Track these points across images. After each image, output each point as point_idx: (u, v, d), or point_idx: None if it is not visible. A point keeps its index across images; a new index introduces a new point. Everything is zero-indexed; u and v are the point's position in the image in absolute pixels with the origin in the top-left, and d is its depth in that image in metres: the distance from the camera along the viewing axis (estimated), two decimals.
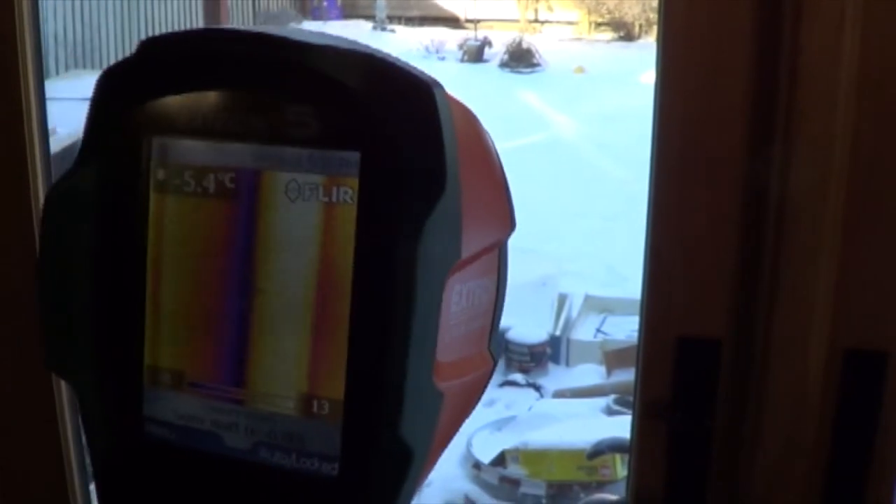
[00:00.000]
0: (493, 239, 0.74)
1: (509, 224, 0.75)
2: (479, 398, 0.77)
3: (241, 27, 0.71)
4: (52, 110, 1.45)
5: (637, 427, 1.31)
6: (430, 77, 0.67)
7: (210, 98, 0.70)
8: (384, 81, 0.67)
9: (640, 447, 1.32)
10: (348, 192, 0.66)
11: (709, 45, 1.20)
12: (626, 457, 1.37)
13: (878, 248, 1.20)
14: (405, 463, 0.68)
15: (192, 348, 0.72)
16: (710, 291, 1.25)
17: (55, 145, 1.48)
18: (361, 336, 0.66)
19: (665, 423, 1.28)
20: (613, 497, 1.37)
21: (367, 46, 0.69)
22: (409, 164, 0.66)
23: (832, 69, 1.16)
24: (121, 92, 0.73)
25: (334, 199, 0.67)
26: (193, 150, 0.71)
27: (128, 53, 0.74)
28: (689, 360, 1.26)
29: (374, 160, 0.66)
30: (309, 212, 0.67)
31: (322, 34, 0.71)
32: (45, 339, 0.76)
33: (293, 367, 0.69)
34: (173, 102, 0.71)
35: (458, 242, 0.67)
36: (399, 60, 0.68)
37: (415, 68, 0.68)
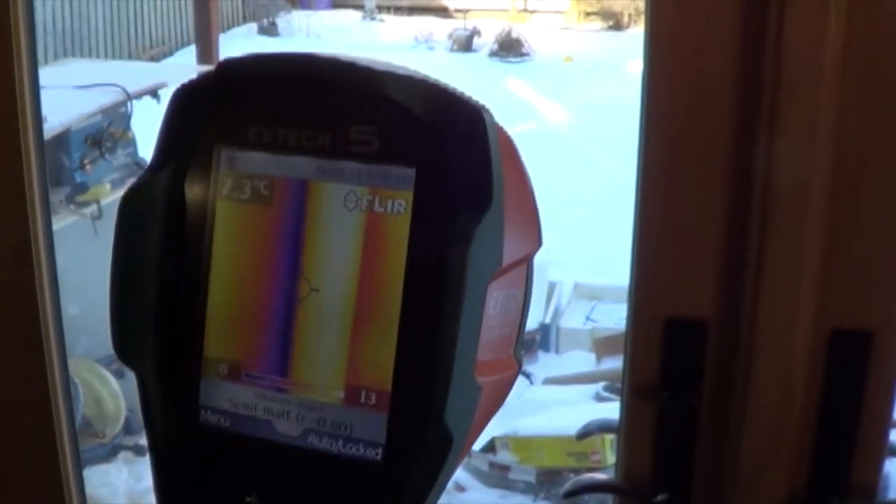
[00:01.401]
0: (526, 251, 0.79)
1: (538, 240, 0.81)
2: (504, 398, 0.82)
3: (313, 53, 0.76)
4: (42, 99, 1.45)
5: (626, 408, 1.33)
6: (480, 103, 0.73)
7: (279, 115, 0.76)
8: (442, 106, 0.73)
9: (629, 427, 1.33)
10: (402, 203, 0.73)
11: (695, 32, 1.21)
12: (616, 441, 1.38)
13: (862, 228, 1.22)
14: (445, 448, 0.73)
15: (247, 341, 0.78)
16: (696, 273, 1.27)
17: (45, 133, 1.48)
18: (412, 333, 0.72)
19: (653, 403, 1.30)
20: (603, 476, 1.38)
21: (424, 74, 0.75)
22: (460, 179, 0.72)
23: (817, 53, 1.18)
24: (196, 109, 0.78)
25: (389, 209, 0.73)
26: (260, 161, 0.77)
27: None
28: (677, 342, 1.27)
29: (429, 176, 0.72)
30: (363, 220, 0.74)
31: (381, 62, 0.76)
32: (113, 328, 0.81)
33: (338, 359, 0.75)
34: (244, 118, 0.77)
35: (500, 251, 0.74)
36: (452, 87, 0.74)
37: (466, 94, 0.74)
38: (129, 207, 0.80)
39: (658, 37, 1.23)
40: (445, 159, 0.72)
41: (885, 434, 1.29)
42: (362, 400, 0.74)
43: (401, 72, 0.74)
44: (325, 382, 0.75)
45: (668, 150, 1.24)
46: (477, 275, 0.72)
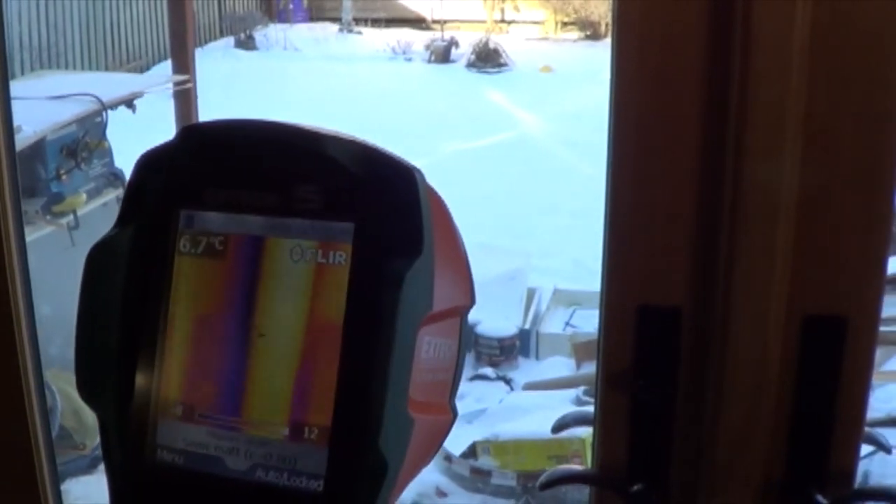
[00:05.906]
0: (457, 303, 0.87)
1: (470, 296, 0.89)
2: (440, 442, 0.90)
3: (266, 119, 0.84)
4: (17, 109, 1.45)
5: (601, 397, 1.33)
6: (411, 164, 0.82)
7: (232, 178, 0.84)
8: (377, 166, 0.81)
9: (605, 417, 1.33)
10: (343, 255, 0.80)
11: (663, 28, 1.22)
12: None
13: (834, 214, 1.22)
14: (381, 475, 0.80)
15: (201, 384, 0.84)
16: (669, 260, 1.26)
17: (20, 143, 1.48)
18: (350, 371, 0.79)
19: (628, 392, 1.29)
20: (578, 467, 1.38)
21: (360, 138, 0.83)
22: (394, 231, 0.80)
23: (784, 49, 1.18)
24: (159, 170, 0.86)
25: (330, 261, 0.81)
26: (215, 220, 0.84)
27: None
28: (650, 329, 1.27)
29: (366, 229, 0.80)
30: (308, 271, 0.81)
31: (326, 129, 0.84)
32: (78, 373, 0.87)
33: (285, 400, 0.81)
34: (201, 181, 0.85)
35: (430, 296, 0.81)
36: (387, 150, 0.83)
37: (399, 157, 0.83)
38: (95, 260, 0.87)
39: (625, 33, 1.24)
40: (381, 214, 0.80)
41: (862, 420, 1.29)
42: (305, 435, 0.81)
43: (341, 136, 0.83)
44: (272, 420, 0.82)
45: (638, 137, 1.24)
46: (409, 315, 0.79)
